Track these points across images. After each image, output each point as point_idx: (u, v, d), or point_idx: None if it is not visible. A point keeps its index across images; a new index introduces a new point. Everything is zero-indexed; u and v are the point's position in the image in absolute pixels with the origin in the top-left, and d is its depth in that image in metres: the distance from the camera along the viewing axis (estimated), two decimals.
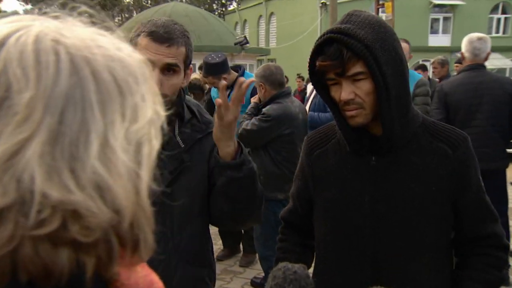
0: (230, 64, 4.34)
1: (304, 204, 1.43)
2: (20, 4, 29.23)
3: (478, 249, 1.29)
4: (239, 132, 3.30)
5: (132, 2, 32.36)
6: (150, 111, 0.50)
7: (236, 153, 1.31)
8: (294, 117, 3.38)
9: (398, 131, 1.20)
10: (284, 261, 1.34)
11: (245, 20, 31.47)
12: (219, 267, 4.17)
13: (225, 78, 4.03)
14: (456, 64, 6.77)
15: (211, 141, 1.44)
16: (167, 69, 1.30)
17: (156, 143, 0.50)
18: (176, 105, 1.39)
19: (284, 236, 1.51)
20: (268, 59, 24.27)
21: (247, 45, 11.54)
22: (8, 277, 0.41)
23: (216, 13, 36.41)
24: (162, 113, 0.52)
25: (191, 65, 1.42)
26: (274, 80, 3.41)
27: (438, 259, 1.28)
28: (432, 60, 6.83)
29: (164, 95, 1.30)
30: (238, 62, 10.78)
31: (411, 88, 3.37)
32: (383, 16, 17.72)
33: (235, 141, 1.30)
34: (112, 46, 0.49)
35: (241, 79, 1.22)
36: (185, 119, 1.42)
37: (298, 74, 13.25)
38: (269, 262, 3.18)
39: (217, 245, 4.59)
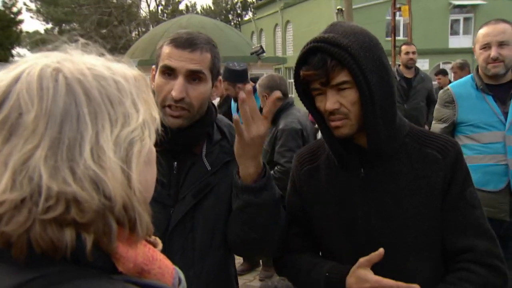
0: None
1: (304, 223, 1.34)
2: (41, 23, 30.11)
3: (455, 265, 1.18)
4: (277, 174, 3.14)
5: (148, 17, 32.92)
6: (143, 116, 0.62)
7: (259, 176, 1.18)
8: (303, 125, 3.35)
9: (385, 141, 1.16)
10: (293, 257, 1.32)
11: (261, 30, 31.60)
12: (238, 281, 4.04)
13: (239, 88, 3.98)
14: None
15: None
16: (192, 78, 1.23)
17: (148, 142, 0.62)
18: (205, 125, 1.30)
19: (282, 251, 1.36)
20: (286, 68, 24.26)
21: (263, 54, 11.50)
22: (26, 250, 0.53)
23: (232, 23, 36.77)
24: (157, 117, 0.66)
25: (220, 77, 1.33)
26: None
27: (438, 270, 1.21)
28: (451, 64, 6.58)
29: (189, 104, 1.18)
30: (255, 71, 10.72)
31: None
32: (400, 20, 17.50)
33: (259, 163, 1.18)
34: (103, 68, 0.62)
35: (276, 94, 1.12)
36: (214, 140, 1.33)
37: None
38: None
39: (237, 258, 4.47)
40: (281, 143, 3.18)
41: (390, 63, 5.38)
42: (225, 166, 1.32)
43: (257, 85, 3.56)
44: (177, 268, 0.71)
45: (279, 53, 27.31)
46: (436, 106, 2.58)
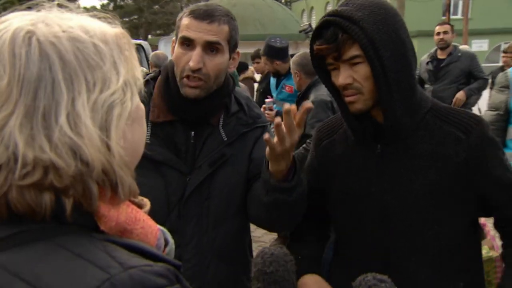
0: (294, 52, 4.26)
1: (317, 197, 1.35)
2: None
3: None
4: (306, 152, 3.23)
5: None
6: (124, 78, 0.60)
7: (289, 171, 1.17)
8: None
9: (402, 117, 1.14)
10: (294, 241, 1.40)
11: (312, 7, 30.92)
12: None
13: (277, 64, 4.00)
14: None
15: (256, 134, 1.37)
16: (210, 49, 1.25)
17: (129, 104, 0.60)
18: (222, 96, 1.33)
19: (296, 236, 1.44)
20: None
21: (312, 32, 11.28)
22: (6, 213, 0.54)
23: (283, 1, 36.21)
24: (140, 77, 0.64)
25: (237, 50, 1.35)
26: (309, 70, 3.36)
27: (454, 250, 1.20)
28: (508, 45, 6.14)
29: (206, 75, 1.24)
30: (303, 49, 10.56)
31: None
32: None
33: (290, 160, 1.16)
34: (80, 30, 0.59)
35: (307, 104, 1.08)
36: (231, 111, 1.36)
37: None
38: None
39: (272, 234, 4.57)
40: (311, 115, 3.19)
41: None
42: (241, 137, 1.35)
43: (291, 62, 3.60)
44: (164, 230, 0.71)
45: None
46: (492, 91, 2.39)
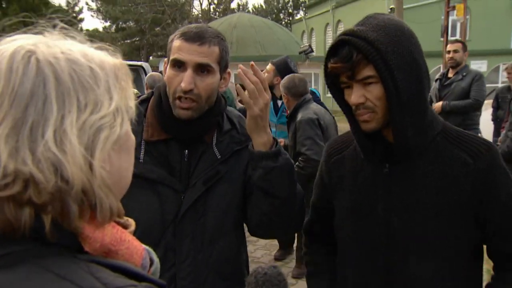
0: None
1: (325, 213, 1.40)
2: (100, 22, 31.53)
3: (509, 264, 1.22)
4: (299, 170, 3.33)
5: (200, 15, 33.60)
6: (116, 104, 0.61)
7: (271, 145, 1.28)
8: (319, 115, 3.54)
9: (412, 138, 1.15)
10: (317, 275, 1.44)
11: (312, 29, 31.35)
12: None
13: (277, 80, 4.14)
14: None
15: None
16: (201, 70, 1.27)
17: (118, 129, 0.60)
18: (214, 114, 1.36)
19: (311, 249, 1.50)
20: None
21: (312, 53, 11.38)
22: None
23: (283, 22, 36.78)
24: (133, 107, 0.65)
25: (228, 70, 1.37)
26: (296, 92, 3.65)
27: (456, 271, 1.20)
28: (506, 65, 6.15)
29: (198, 95, 1.25)
30: (303, 71, 10.67)
31: None
32: (458, 19, 16.77)
33: (270, 133, 1.27)
34: (78, 54, 0.61)
35: (244, 66, 1.21)
36: (224, 130, 1.39)
37: None
38: None
39: (273, 246, 4.67)
40: (300, 133, 3.43)
41: (442, 64, 5.09)
42: (235, 155, 1.37)
43: (280, 85, 3.78)
44: (150, 249, 0.72)
45: None
46: None
